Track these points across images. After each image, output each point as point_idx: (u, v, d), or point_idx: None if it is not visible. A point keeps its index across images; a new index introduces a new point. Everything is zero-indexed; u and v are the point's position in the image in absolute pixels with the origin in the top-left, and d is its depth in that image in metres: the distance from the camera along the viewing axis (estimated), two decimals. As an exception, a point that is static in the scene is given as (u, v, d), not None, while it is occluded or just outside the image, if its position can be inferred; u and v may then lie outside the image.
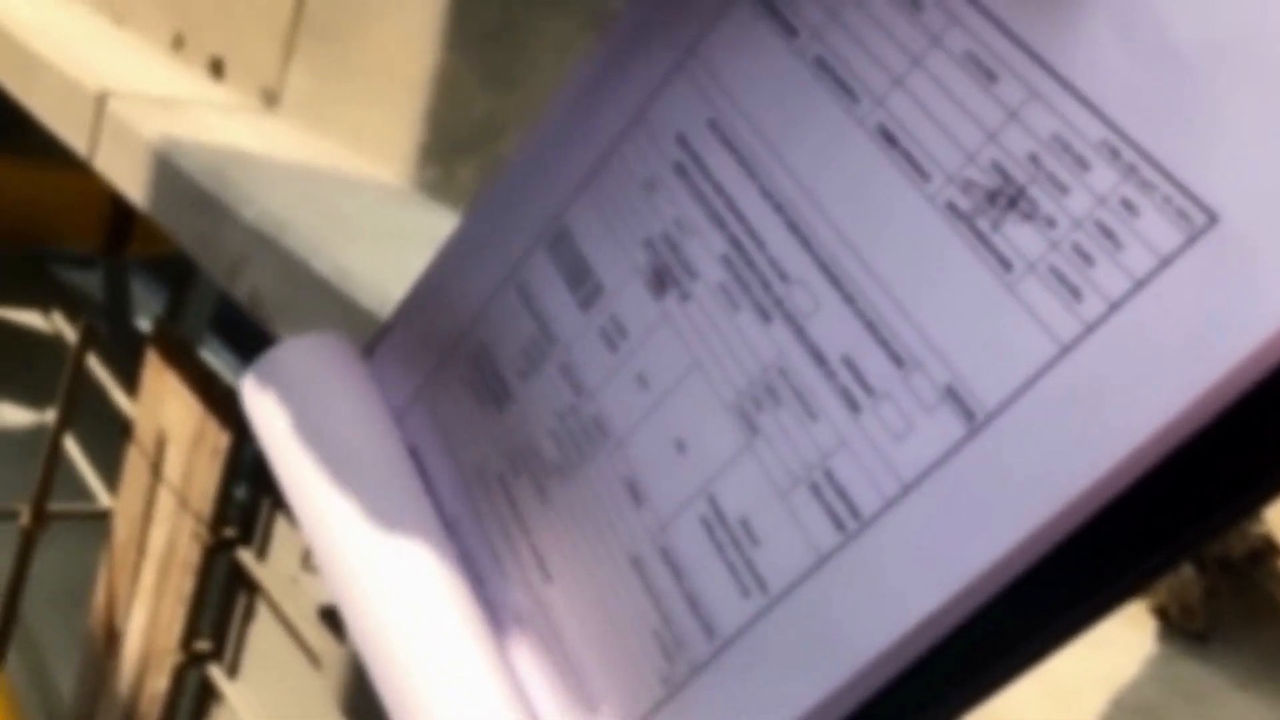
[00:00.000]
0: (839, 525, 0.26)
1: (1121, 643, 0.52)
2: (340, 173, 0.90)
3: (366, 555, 0.35)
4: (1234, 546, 0.54)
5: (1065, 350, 0.23)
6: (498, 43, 0.84)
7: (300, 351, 0.40)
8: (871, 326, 0.26)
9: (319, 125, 0.97)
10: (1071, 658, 0.49)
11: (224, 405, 0.92)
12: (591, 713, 0.30)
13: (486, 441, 0.35)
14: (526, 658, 0.32)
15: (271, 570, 0.89)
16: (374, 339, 0.42)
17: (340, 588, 0.35)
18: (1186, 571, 0.53)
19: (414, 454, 0.38)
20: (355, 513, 0.36)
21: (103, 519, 1.06)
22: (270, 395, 0.39)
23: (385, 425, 0.38)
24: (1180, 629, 0.53)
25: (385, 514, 0.35)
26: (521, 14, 0.82)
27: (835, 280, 0.27)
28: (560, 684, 0.31)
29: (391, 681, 0.33)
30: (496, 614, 0.34)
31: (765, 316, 0.29)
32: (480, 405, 0.36)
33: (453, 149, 0.85)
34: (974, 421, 0.24)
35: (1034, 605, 0.24)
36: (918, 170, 0.26)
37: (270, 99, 1.02)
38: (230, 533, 0.92)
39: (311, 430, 0.37)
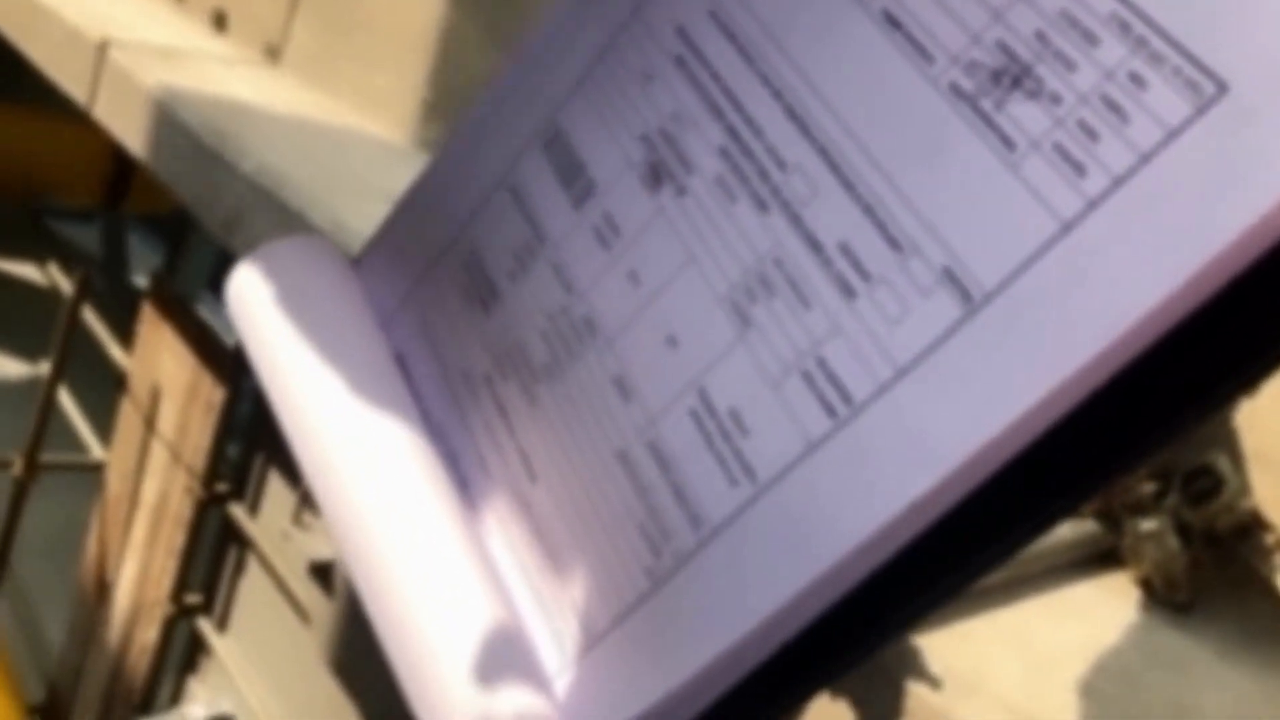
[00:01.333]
0: (830, 412, 0.25)
1: (1105, 612, 0.52)
2: (341, 129, 0.90)
3: (350, 459, 0.34)
4: (1221, 521, 0.54)
5: (1066, 227, 0.23)
6: (502, 1, 0.83)
7: (288, 254, 0.39)
8: (870, 211, 0.26)
9: (321, 81, 0.96)
10: (1054, 625, 0.49)
11: (219, 360, 0.92)
12: (575, 609, 0.29)
13: (474, 345, 0.35)
14: (509, 557, 0.32)
15: (263, 526, 0.88)
16: (364, 247, 0.41)
17: (324, 492, 0.34)
18: (1172, 544, 0.53)
19: (400, 360, 0.37)
20: (339, 418, 0.35)
21: (95, 471, 1.06)
22: (256, 295, 0.38)
23: (370, 331, 0.38)
24: (1163, 600, 0.53)
25: (369, 418, 0.35)
26: (527, -29, 0.81)
27: (834, 166, 0.27)
28: (543, 582, 0.31)
29: (375, 585, 0.32)
30: (481, 515, 0.33)
31: (762, 207, 0.28)
32: (468, 309, 0.35)
33: (455, 107, 0.84)
34: (971, 303, 0.24)
35: (1026, 490, 0.23)
36: (921, 53, 0.26)
37: (273, 53, 1.01)
38: (223, 488, 0.92)
39: (296, 334, 0.36)
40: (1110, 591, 0.54)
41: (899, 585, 0.24)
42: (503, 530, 0.32)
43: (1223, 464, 0.54)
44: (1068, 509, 0.23)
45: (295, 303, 0.37)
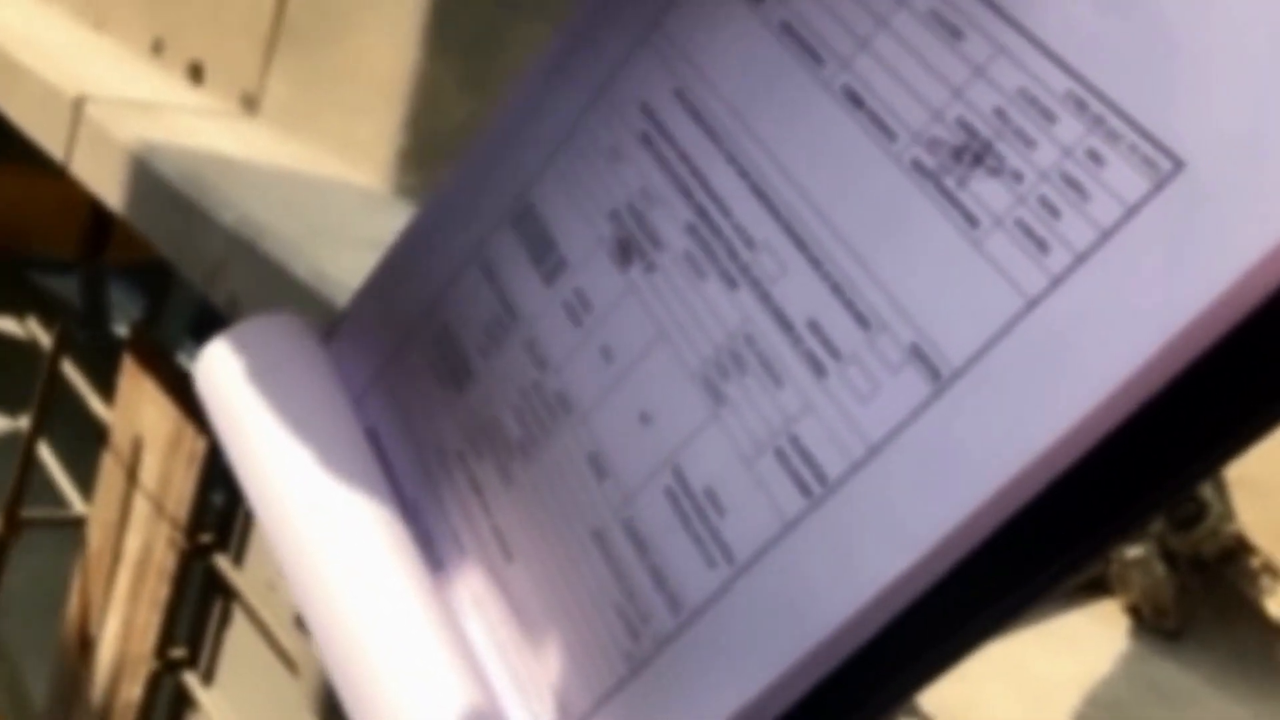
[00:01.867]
0: (805, 491, 0.25)
1: (1094, 641, 0.52)
2: (320, 178, 0.90)
3: (321, 539, 0.34)
4: (1206, 546, 0.54)
5: (1032, 304, 0.23)
6: (478, 48, 0.83)
7: (257, 332, 0.39)
8: (837, 289, 0.26)
9: (299, 130, 0.96)
10: (1045, 656, 0.49)
11: (201, 411, 0.91)
12: (553, 694, 0.29)
13: (447, 422, 0.35)
14: (485, 640, 0.32)
15: (248, 576, 0.88)
16: (334, 323, 0.41)
17: (294, 572, 0.34)
18: (1158, 570, 0.53)
19: (372, 437, 0.37)
20: (309, 496, 0.35)
21: (77, 526, 1.05)
22: (224, 375, 0.38)
23: (342, 408, 0.38)
24: (1153, 627, 0.53)
25: (340, 496, 0.35)
26: (502, 19, 0.81)
27: (801, 244, 0.27)
28: (520, 663, 0.30)
29: (347, 669, 0.32)
30: (455, 596, 0.33)
31: (731, 284, 0.28)
32: (441, 385, 0.35)
33: (432, 154, 0.85)
34: (939, 380, 0.24)
35: (1004, 568, 0.23)
36: (884, 130, 0.26)
37: (250, 104, 1.01)
38: (206, 539, 0.91)
39: (265, 412, 0.36)
40: (1100, 620, 0.54)
41: (882, 664, 0.24)
42: (479, 610, 0.32)
43: (1206, 489, 0.54)
44: (1051, 583, 0.23)
45: (265, 381, 0.37)
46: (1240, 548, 0.55)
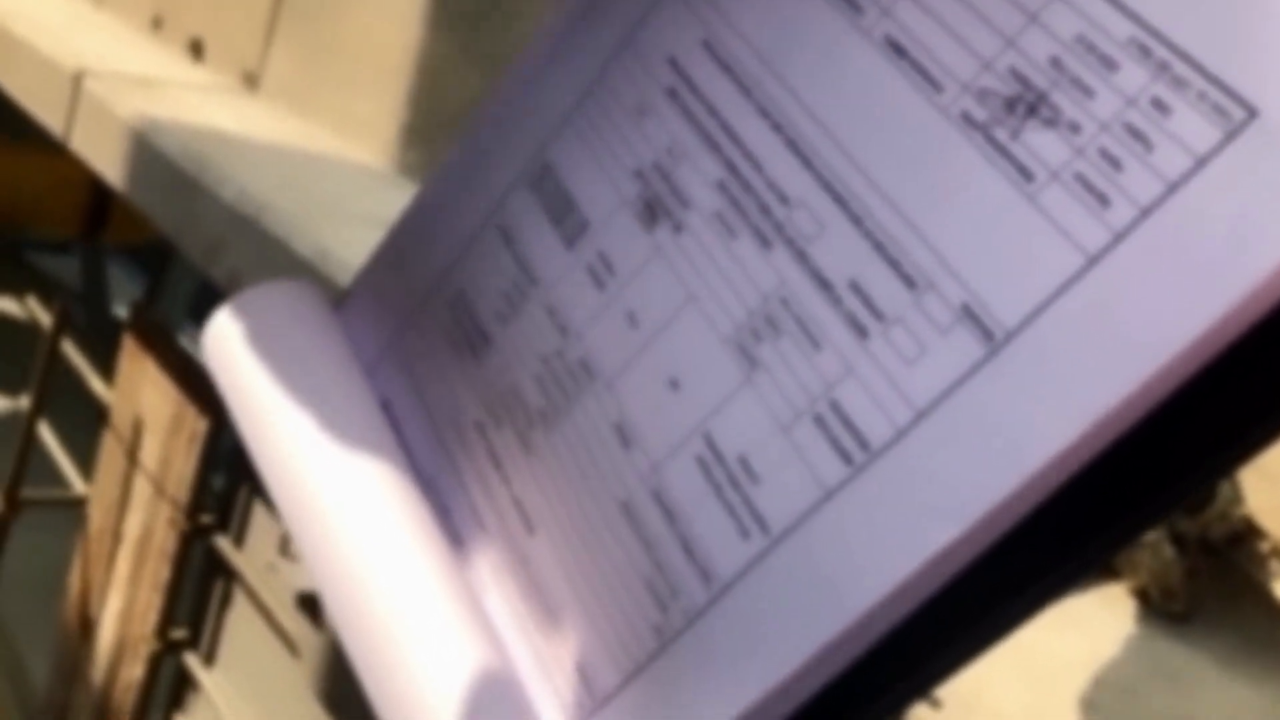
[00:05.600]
0: (846, 458, 0.24)
1: (1102, 624, 0.51)
2: (321, 155, 0.89)
3: (336, 511, 0.33)
4: (1215, 529, 0.54)
5: (1092, 261, 0.22)
6: (482, 23, 0.82)
7: (267, 300, 0.38)
8: (880, 248, 0.25)
9: (300, 107, 0.95)
10: (1053, 638, 0.49)
11: (202, 391, 0.90)
12: (577, 670, 0.28)
13: (464, 391, 0.34)
14: (506, 614, 0.31)
15: (249, 557, 0.87)
16: (345, 291, 0.40)
17: (309, 547, 0.33)
18: (1167, 553, 0.52)
19: (386, 408, 0.36)
20: (323, 469, 0.34)
21: (78, 506, 1.04)
22: (235, 344, 0.37)
23: (355, 378, 0.36)
24: (1161, 610, 0.53)
25: (355, 469, 0.33)
26: (506, -7, 0.80)
27: (840, 201, 0.26)
28: (543, 640, 0.29)
29: (363, 647, 0.31)
30: (475, 571, 0.32)
31: (765, 243, 0.27)
32: (457, 355, 0.34)
33: (435, 131, 0.83)
34: (993, 341, 0.23)
35: (1055, 538, 0.22)
36: (929, 81, 0.25)
37: (251, 81, 1.00)
38: (207, 520, 0.90)
39: (276, 383, 0.35)
40: (1107, 602, 0.53)
41: (922, 641, 0.23)
42: (499, 585, 0.31)
43: (1214, 472, 0.54)
44: (1101, 556, 0.22)
45: (275, 350, 0.36)
46: (1249, 531, 0.54)
